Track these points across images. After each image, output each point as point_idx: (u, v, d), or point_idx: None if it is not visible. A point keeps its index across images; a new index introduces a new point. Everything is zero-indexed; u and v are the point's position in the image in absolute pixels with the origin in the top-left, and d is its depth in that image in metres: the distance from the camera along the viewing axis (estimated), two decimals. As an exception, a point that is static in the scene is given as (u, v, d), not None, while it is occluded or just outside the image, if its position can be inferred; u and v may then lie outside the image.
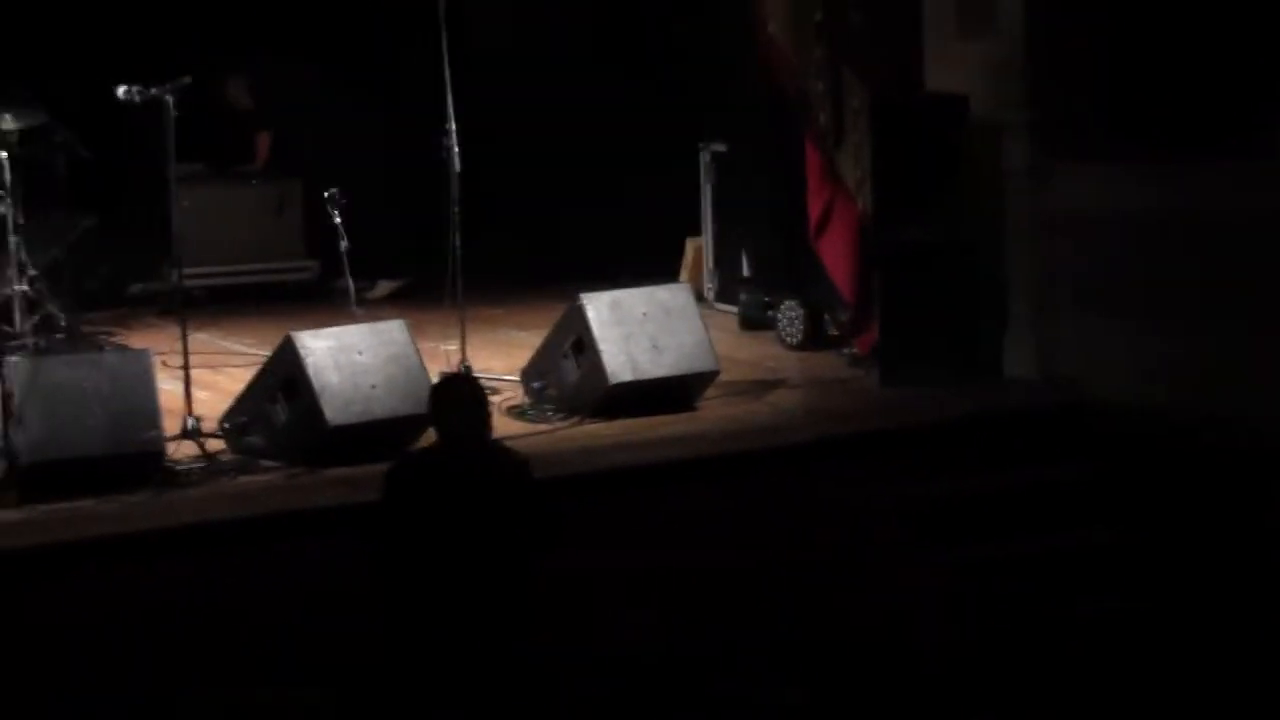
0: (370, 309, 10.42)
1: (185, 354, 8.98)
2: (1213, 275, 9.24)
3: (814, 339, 10.51)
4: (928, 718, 7.88)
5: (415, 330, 9.17)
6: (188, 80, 8.97)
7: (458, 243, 9.63)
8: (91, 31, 12.07)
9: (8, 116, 10.48)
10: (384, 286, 11.77)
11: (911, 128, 9.79)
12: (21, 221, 10.57)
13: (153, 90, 8.94)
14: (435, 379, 9.15)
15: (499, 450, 7.59)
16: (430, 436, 8.69)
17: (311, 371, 8.64)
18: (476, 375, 9.58)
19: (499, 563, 7.24)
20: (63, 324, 10.73)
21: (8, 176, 10.48)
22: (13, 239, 10.52)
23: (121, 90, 9.03)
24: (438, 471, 7.34)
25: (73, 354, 9.77)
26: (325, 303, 11.09)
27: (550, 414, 9.32)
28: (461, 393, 7.51)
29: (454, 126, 9.66)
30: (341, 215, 9.63)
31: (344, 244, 9.61)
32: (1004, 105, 9.81)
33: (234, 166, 12.22)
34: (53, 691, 7.63)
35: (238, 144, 12.27)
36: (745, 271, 11.17)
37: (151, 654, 7.79)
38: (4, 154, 10.49)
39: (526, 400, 9.47)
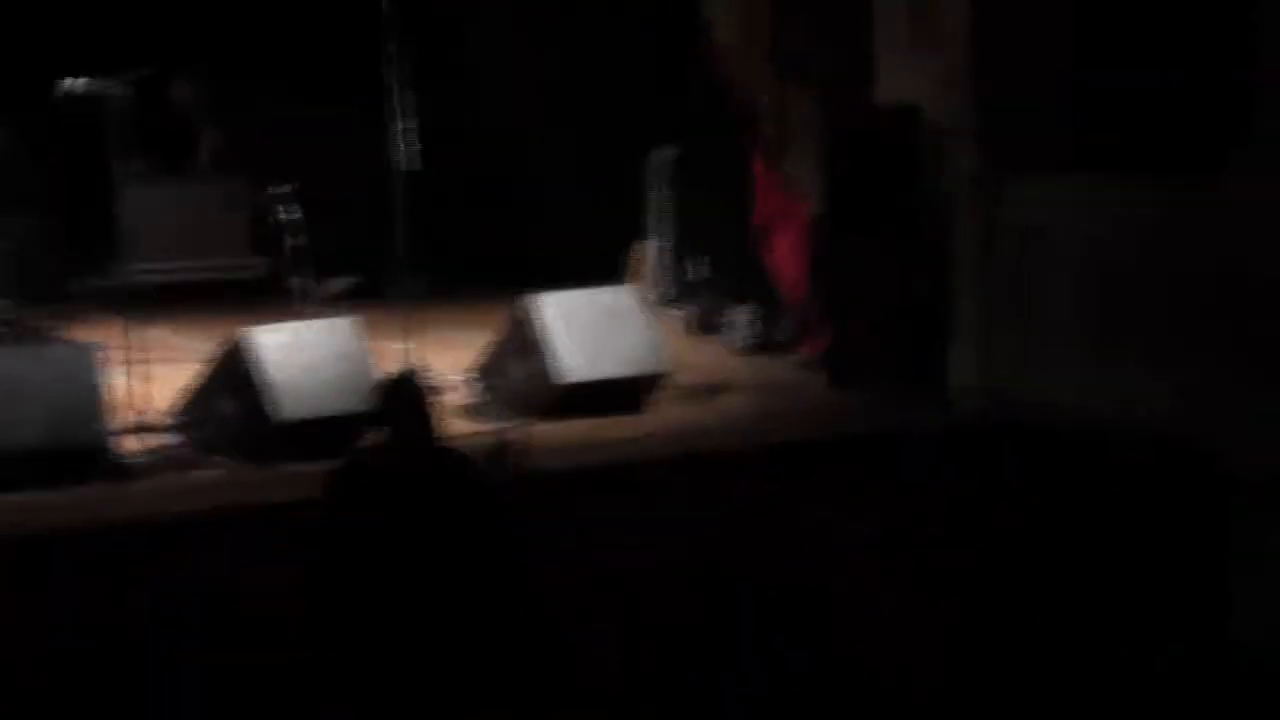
0: (319, 307, 10.40)
1: (130, 349, 8.95)
2: (1165, 293, 9.25)
3: (762, 344, 10.54)
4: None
5: (364, 329, 9.15)
6: (132, 74, 8.94)
7: (406, 241, 9.62)
8: (38, 27, 12.02)
9: (-49, 112, 10.46)
10: (333, 285, 11.73)
11: (860, 137, 9.84)
12: (-33, 216, 10.59)
13: (96, 83, 8.91)
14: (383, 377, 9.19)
15: (447, 452, 7.57)
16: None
17: (261, 367, 8.61)
18: (425, 374, 9.61)
19: (456, 565, 7.22)
20: (9, 319, 10.67)
21: (-47, 172, 10.50)
22: (-44, 234, 10.53)
23: (66, 83, 9.01)
24: (384, 471, 7.32)
25: (16, 347, 9.74)
26: (275, 300, 11.05)
27: (498, 414, 9.31)
28: (409, 391, 7.49)
29: (403, 125, 9.66)
30: (290, 212, 9.61)
31: (291, 241, 9.59)
32: (953, 115, 9.84)
33: (178, 163, 12.16)
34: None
35: (181, 141, 12.20)
36: (693, 276, 11.17)
37: (90, 648, 7.75)
38: (-49, 149, 10.50)
39: (475, 400, 9.46)
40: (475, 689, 6.95)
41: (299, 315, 9.39)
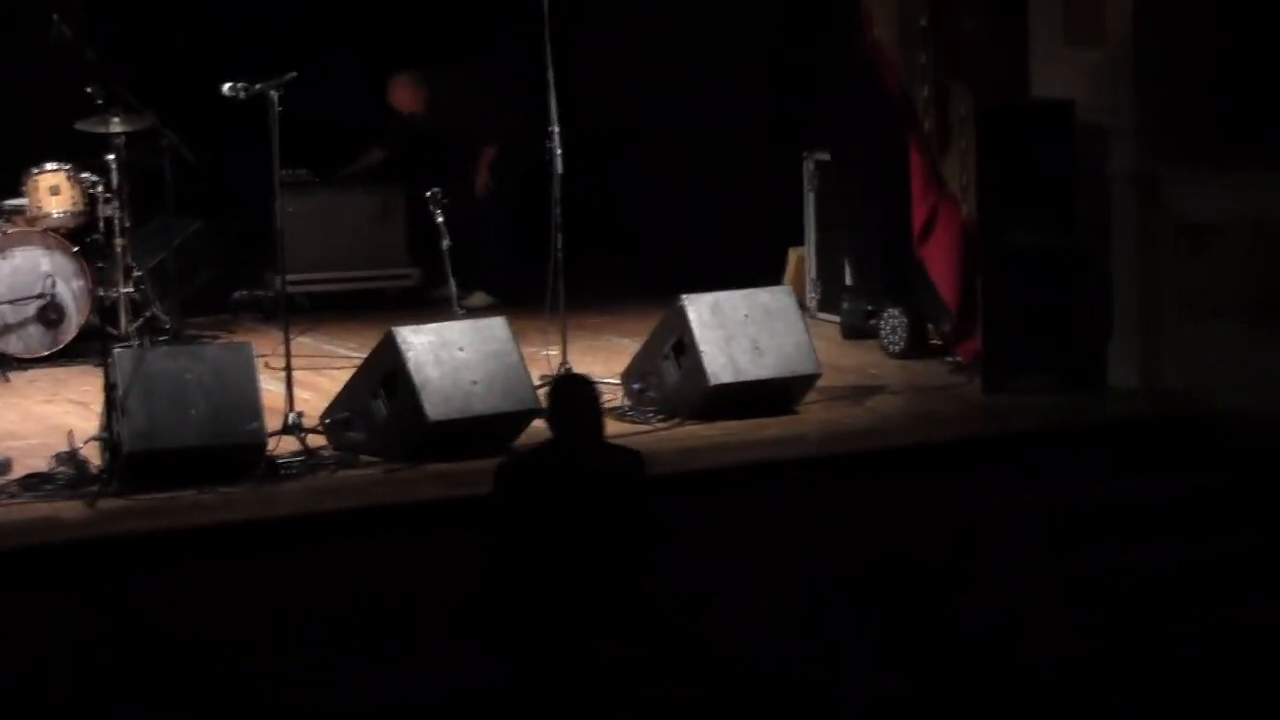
0: (470, 315, 10.41)
1: (288, 354, 9.00)
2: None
3: (917, 347, 10.43)
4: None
5: (516, 336, 9.13)
6: (293, 74, 8.98)
7: (559, 244, 9.62)
8: (201, 31, 12.18)
9: (115, 120, 10.58)
10: (480, 298, 11.74)
11: (1017, 134, 9.71)
12: (128, 224, 10.69)
13: (257, 86, 8.97)
14: (537, 379, 9.20)
15: (612, 449, 7.58)
16: (532, 433, 8.77)
17: (412, 367, 8.64)
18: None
19: (609, 563, 7.21)
20: (167, 326, 10.80)
21: (115, 179, 10.61)
22: (119, 241, 10.63)
23: (226, 87, 9.07)
24: (550, 469, 7.34)
25: (176, 346, 9.85)
26: (427, 310, 11.06)
27: (650, 415, 9.28)
28: (581, 394, 7.51)
29: (557, 129, 9.67)
30: (444, 215, 9.65)
31: (446, 243, 9.62)
32: (1111, 111, 9.71)
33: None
34: (147, 679, 7.66)
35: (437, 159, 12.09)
36: (848, 280, 11.10)
37: (246, 644, 7.81)
38: (111, 157, 10.61)
39: (627, 402, 9.44)
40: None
41: (451, 317, 9.38)
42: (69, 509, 8.08)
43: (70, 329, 10.74)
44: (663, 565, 7.45)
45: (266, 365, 9.30)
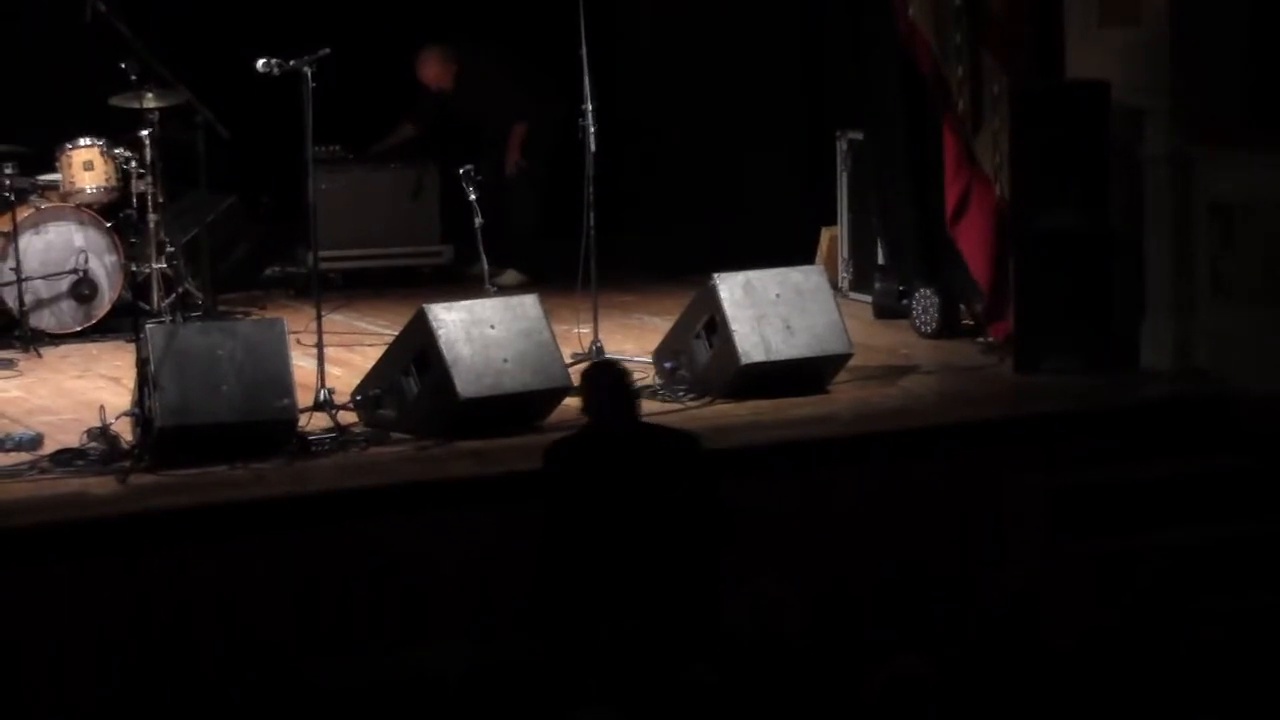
0: (502, 292, 10.42)
1: (319, 331, 9.02)
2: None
3: (948, 327, 10.42)
4: (1055, 701, 7.77)
5: (547, 314, 9.13)
6: (326, 51, 9.00)
7: (591, 222, 9.63)
8: (244, 4, 12.18)
9: (149, 95, 10.60)
10: (512, 275, 11.73)
11: (1051, 114, 9.67)
12: (161, 200, 10.72)
13: (291, 62, 8.98)
14: (569, 357, 9.22)
15: (666, 432, 7.56)
16: (563, 411, 8.79)
17: (443, 344, 8.64)
18: (609, 356, 9.62)
19: (649, 544, 7.20)
20: (199, 302, 10.83)
21: (148, 155, 10.63)
22: (152, 217, 10.66)
23: (260, 62, 9.08)
24: (590, 453, 7.35)
25: (208, 321, 9.87)
26: (459, 287, 11.07)
27: (681, 394, 9.27)
28: (603, 379, 7.53)
29: (590, 106, 9.67)
30: (477, 193, 9.66)
31: (478, 220, 9.63)
32: (1146, 92, 9.67)
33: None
34: (179, 654, 7.69)
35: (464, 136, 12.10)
36: (880, 260, 11.08)
37: (275, 620, 7.83)
38: (145, 132, 10.63)
39: (658, 380, 9.43)
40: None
41: (483, 294, 9.38)
42: (100, 484, 8.11)
43: (103, 304, 10.79)
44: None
45: (298, 342, 9.31)
